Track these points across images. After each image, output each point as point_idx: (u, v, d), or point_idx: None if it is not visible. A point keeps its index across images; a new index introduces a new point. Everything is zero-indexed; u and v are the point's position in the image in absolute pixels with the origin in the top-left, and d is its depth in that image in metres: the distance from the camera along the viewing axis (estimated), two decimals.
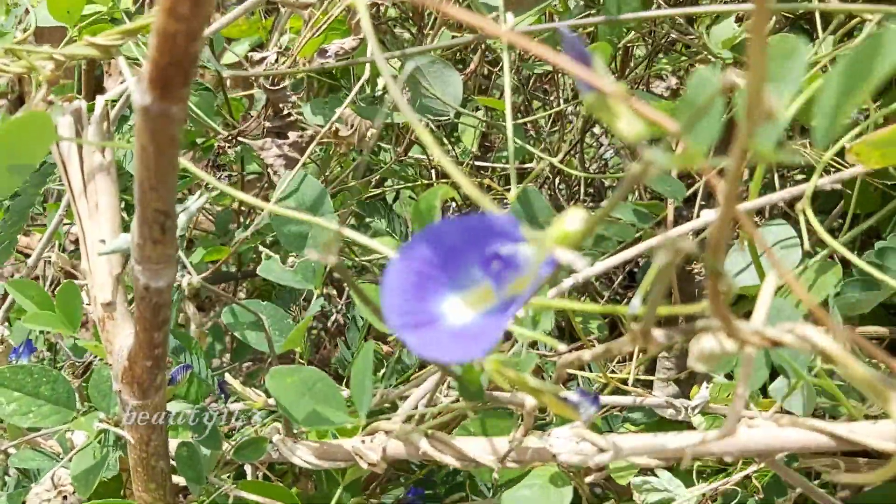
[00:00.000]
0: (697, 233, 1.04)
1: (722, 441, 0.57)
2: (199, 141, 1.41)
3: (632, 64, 1.27)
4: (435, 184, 1.37)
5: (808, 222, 1.02)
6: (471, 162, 1.30)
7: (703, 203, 0.86)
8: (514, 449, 0.60)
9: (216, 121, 1.23)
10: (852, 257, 0.68)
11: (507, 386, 0.52)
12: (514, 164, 0.76)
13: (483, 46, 0.93)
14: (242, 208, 1.33)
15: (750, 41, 0.27)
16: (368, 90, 1.38)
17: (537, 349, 0.99)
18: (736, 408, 0.46)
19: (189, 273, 0.69)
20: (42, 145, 0.54)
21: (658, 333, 0.43)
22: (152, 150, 0.47)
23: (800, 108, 0.91)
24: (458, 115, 0.96)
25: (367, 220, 1.39)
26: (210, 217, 1.32)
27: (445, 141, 1.24)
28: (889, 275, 0.80)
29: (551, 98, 1.39)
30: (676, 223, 0.88)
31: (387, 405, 0.76)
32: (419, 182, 1.39)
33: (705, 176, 0.83)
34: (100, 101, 0.71)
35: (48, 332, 1.24)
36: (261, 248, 0.81)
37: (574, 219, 0.39)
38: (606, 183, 1.38)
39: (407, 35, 1.13)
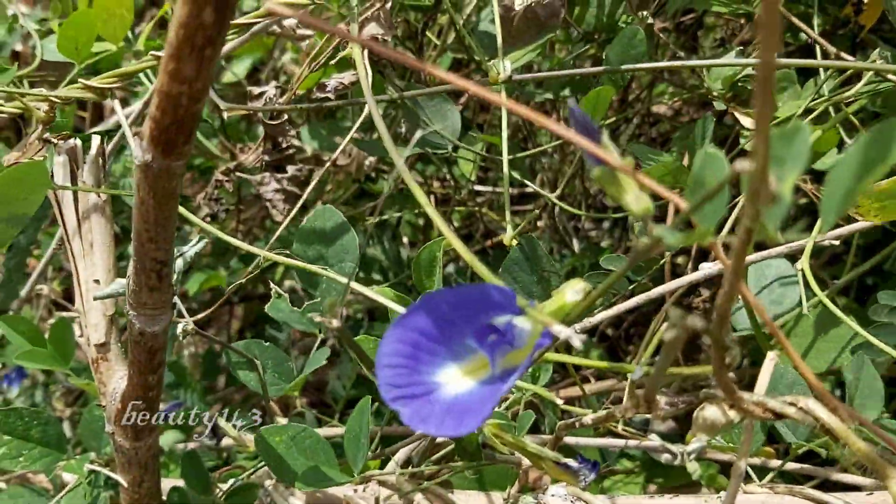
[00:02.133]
0: (694, 287, 1.03)
1: None
2: (196, 163, 1.40)
3: (633, 85, 1.27)
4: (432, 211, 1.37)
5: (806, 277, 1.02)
6: (471, 188, 1.30)
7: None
8: None
9: (214, 142, 1.23)
10: (854, 326, 0.67)
11: (504, 449, 0.51)
12: (509, 208, 0.75)
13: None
14: (240, 230, 1.33)
15: (756, 127, 0.26)
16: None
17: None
18: (734, 484, 0.46)
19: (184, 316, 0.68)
20: (38, 194, 0.53)
21: (661, 400, 0.43)
22: (152, 204, 0.47)
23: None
24: (456, 148, 0.96)
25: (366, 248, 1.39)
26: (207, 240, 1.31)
27: (445, 169, 1.23)
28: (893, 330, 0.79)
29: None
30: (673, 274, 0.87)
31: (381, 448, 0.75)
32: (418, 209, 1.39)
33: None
34: (95, 140, 0.70)
35: None
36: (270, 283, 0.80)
37: (574, 291, 0.38)
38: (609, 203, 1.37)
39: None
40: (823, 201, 0.33)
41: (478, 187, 1.41)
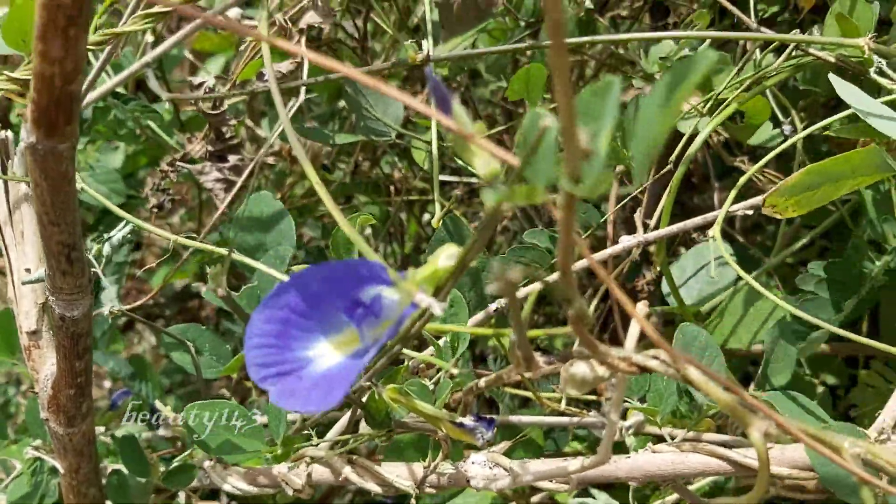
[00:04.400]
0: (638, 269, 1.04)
1: (627, 466, 0.58)
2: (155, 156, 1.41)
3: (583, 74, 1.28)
4: (393, 199, 1.38)
5: (741, 235, 1.03)
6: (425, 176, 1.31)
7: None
8: (430, 474, 0.60)
9: (174, 139, 1.24)
10: (775, 299, 0.68)
11: (404, 413, 0.52)
12: (437, 187, 0.76)
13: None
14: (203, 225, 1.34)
15: (555, 85, 0.27)
16: (326, 107, 1.40)
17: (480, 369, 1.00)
18: (608, 435, 0.47)
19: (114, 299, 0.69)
20: None
21: (540, 360, 0.44)
22: (46, 187, 0.48)
23: (735, 128, 0.92)
24: (400, 136, 0.97)
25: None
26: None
27: (396, 159, 1.24)
28: (822, 303, 0.81)
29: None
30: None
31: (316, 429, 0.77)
32: (380, 199, 1.40)
33: (614, 204, 0.84)
34: (24, 129, 0.71)
35: None
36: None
37: (446, 256, 0.39)
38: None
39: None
40: (634, 146, 0.33)
41: (442, 176, 1.42)
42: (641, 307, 0.50)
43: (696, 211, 1.34)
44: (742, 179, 0.69)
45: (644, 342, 0.48)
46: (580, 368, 0.41)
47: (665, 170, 0.77)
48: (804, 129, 0.81)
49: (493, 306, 0.71)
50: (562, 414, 0.92)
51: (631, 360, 0.40)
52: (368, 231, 1.48)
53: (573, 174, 0.30)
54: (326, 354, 0.41)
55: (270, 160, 1.22)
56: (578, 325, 0.38)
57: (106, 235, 0.64)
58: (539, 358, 0.43)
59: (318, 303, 0.41)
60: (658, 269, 0.83)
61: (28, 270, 0.70)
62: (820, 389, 1.00)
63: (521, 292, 0.72)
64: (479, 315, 0.71)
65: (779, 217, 0.64)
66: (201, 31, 1.30)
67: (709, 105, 0.83)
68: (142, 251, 1.62)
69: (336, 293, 0.40)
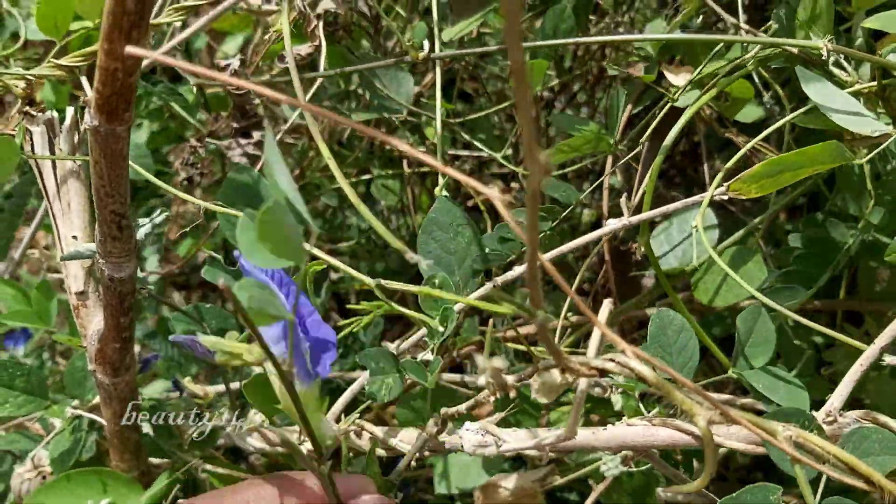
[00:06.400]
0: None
1: (605, 436, 0.66)
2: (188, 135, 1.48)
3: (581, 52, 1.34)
4: (406, 172, 1.45)
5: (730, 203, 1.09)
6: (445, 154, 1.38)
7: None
8: (429, 440, 0.68)
9: (197, 118, 1.31)
10: (755, 265, 0.75)
11: None
12: (441, 158, 0.83)
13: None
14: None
15: (517, 103, 0.33)
16: (343, 86, 1.46)
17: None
18: (573, 416, 0.53)
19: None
20: (7, 165, 0.62)
21: (510, 379, 0.51)
22: (105, 163, 0.55)
23: (723, 105, 0.98)
24: (411, 113, 1.03)
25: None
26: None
27: (408, 134, 1.31)
28: (800, 261, 0.88)
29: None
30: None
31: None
32: (392, 171, 1.47)
33: (608, 191, 0.91)
34: (69, 111, 0.79)
35: None
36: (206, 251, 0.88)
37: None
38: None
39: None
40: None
41: (460, 152, 1.49)
42: (606, 306, 0.57)
43: (694, 182, 1.40)
44: (730, 163, 0.75)
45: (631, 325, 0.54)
46: (547, 377, 0.48)
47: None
48: (789, 102, 0.87)
49: (490, 284, 0.76)
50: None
51: (590, 364, 0.47)
52: (384, 203, 1.55)
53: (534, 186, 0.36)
54: None
55: (289, 140, 1.29)
56: (546, 337, 0.43)
57: (149, 217, 0.72)
58: (508, 378, 0.50)
59: None
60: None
61: (75, 238, 0.78)
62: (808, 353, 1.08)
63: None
64: (480, 291, 0.76)
65: (743, 197, 0.70)
66: None
67: (698, 82, 0.90)
68: (167, 224, 1.70)
69: None
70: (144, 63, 0.54)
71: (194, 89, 1.06)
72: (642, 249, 0.98)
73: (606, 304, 0.52)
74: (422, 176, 1.49)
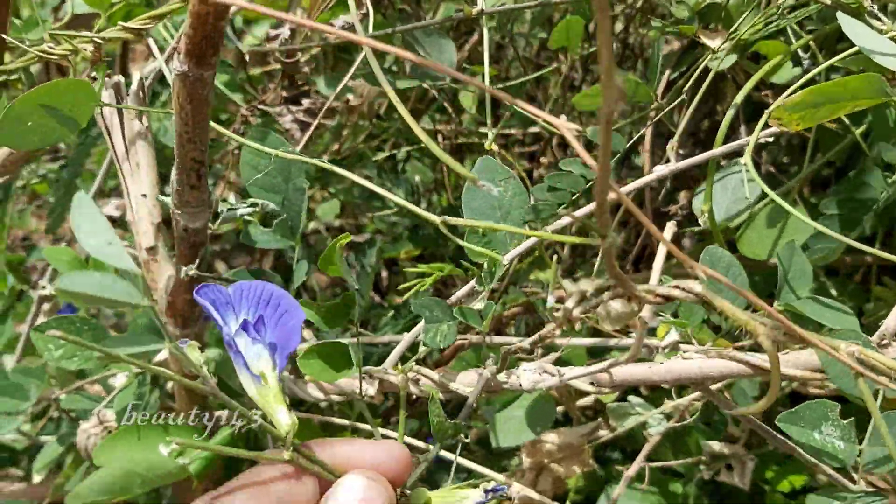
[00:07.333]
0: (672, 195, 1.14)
1: (661, 370, 0.68)
2: (222, 118, 1.52)
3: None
4: (441, 147, 1.48)
5: (770, 165, 1.12)
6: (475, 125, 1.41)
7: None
8: (489, 382, 0.71)
9: (238, 96, 1.35)
10: (798, 214, 0.76)
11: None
12: (490, 122, 0.86)
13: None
14: None
15: (598, 36, 0.36)
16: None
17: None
18: (638, 337, 0.55)
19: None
20: (86, 107, 0.65)
21: (577, 312, 0.53)
22: (189, 109, 0.58)
23: (758, 67, 1.00)
24: (455, 80, 1.06)
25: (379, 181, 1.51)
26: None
27: (447, 105, 1.34)
28: (835, 219, 0.90)
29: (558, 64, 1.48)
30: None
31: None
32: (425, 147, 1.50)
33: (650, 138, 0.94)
34: (136, 75, 0.82)
35: None
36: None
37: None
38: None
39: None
40: None
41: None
42: (669, 228, 0.59)
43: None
44: (769, 110, 0.77)
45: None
46: (615, 305, 0.50)
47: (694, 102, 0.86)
48: (825, 63, 0.89)
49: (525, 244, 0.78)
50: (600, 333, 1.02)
51: (655, 291, 0.48)
52: (418, 178, 1.59)
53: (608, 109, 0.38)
54: None
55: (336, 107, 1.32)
56: (612, 264, 0.45)
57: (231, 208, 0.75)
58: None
59: None
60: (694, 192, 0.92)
61: (144, 196, 0.82)
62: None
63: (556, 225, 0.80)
64: (522, 246, 0.78)
65: (785, 129, 0.72)
66: None
67: (733, 43, 0.92)
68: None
69: None
70: (232, 10, 0.57)
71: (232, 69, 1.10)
72: (682, 203, 1.01)
73: (670, 226, 0.54)
74: (457, 149, 1.52)
